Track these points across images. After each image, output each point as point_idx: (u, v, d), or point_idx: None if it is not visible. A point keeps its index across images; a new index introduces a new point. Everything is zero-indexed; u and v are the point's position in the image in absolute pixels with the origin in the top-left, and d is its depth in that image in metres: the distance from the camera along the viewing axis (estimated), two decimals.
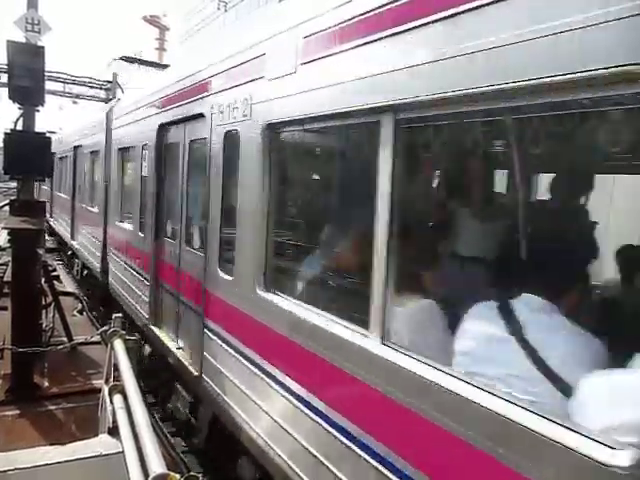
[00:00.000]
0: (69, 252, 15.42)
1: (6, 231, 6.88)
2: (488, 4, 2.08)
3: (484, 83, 2.07)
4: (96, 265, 10.54)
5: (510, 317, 2.18)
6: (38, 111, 6.53)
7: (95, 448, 3.88)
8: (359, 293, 2.94)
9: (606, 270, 3.54)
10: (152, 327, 6.44)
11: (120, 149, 8.96)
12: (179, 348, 5.68)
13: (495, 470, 2.02)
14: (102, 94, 27.51)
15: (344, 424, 2.87)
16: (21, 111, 6.41)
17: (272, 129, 3.69)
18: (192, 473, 2.61)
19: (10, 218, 6.48)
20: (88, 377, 6.78)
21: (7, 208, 7.57)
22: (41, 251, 6.71)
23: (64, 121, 30.05)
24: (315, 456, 3.10)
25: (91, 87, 27.71)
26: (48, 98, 7.25)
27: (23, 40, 6.50)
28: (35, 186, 7.84)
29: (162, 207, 6.46)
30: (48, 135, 7.05)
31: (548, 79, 1.85)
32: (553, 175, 4.10)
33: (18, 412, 5.79)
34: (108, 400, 4.07)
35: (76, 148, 13.86)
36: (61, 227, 16.63)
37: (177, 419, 6.05)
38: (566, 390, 1.96)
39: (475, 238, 3.98)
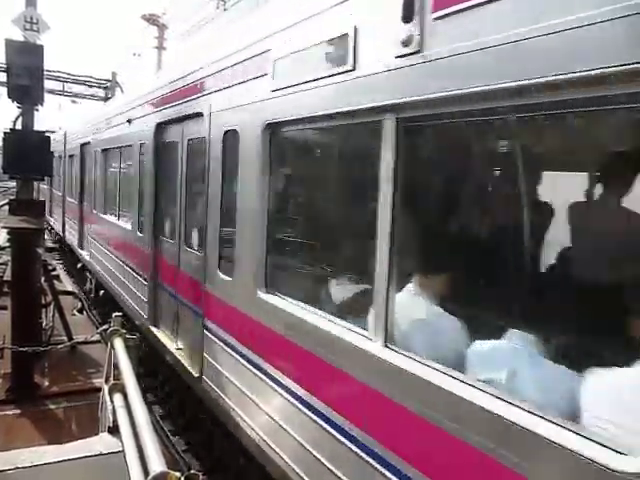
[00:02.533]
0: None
1: (6, 230, 6.87)
2: None
3: None
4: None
5: None
6: (37, 110, 6.52)
7: (95, 447, 3.88)
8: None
9: None
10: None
11: None
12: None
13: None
14: (101, 93, 27.49)
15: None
16: (20, 110, 6.41)
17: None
18: (192, 472, 2.61)
19: (10, 217, 6.48)
20: (88, 376, 6.78)
21: (7, 207, 7.54)
22: (41, 250, 6.71)
23: (64, 120, 30.00)
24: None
25: (90, 86, 27.67)
26: (47, 97, 7.24)
27: (22, 39, 6.49)
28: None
29: None
30: (47, 134, 7.05)
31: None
32: None
33: (18, 411, 5.79)
34: (108, 399, 4.06)
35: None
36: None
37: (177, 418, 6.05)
38: None
39: None
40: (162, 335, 6.13)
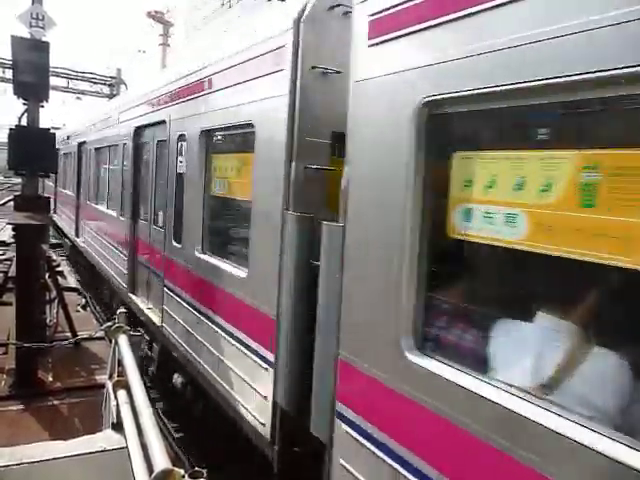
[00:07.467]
0: None
1: (11, 227, 6.89)
2: None
3: None
4: None
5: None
6: (42, 107, 6.53)
7: (99, 443, 3.89)
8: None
9: None
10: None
11: None
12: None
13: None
14: (106, 90, 27.53)
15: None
16: (26, 107, 6.42)
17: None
18: (196, 468, 2.61)
19: (15, 214, 6.49)
20: (92, 372, 6.81)
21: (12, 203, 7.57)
22: (45, 247, 6.72)
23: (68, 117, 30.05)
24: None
25: (95, 83, 27.71)
26: (51, 94, 7.25)
27: (27, 35, 6.49)
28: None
29: None
30: (52, 131, 7.05)
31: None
32: None
33: (22, 407, 5.82)
34: (112, 395, 4.07)
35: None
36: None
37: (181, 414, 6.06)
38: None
39: None
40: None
